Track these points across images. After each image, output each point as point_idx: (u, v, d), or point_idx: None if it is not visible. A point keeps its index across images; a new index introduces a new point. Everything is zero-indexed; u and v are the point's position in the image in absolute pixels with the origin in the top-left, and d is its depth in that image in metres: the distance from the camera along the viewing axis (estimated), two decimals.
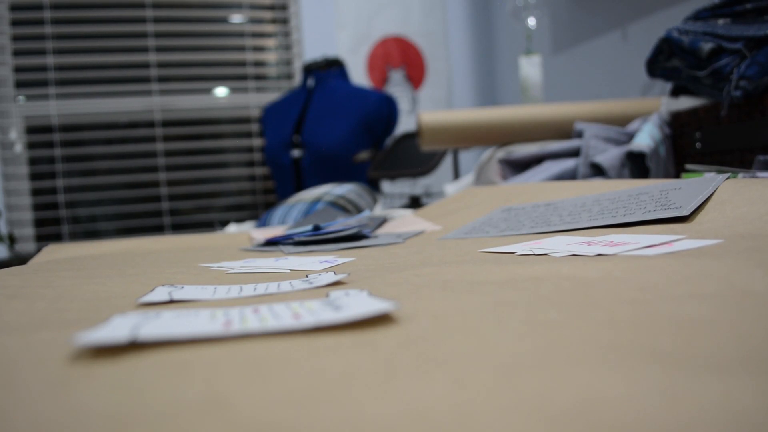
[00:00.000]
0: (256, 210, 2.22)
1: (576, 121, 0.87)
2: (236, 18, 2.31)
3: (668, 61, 0.76)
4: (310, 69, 1.88)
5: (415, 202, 1.54)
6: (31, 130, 2.14)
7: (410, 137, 1.69)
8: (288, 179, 1.84)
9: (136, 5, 2.18)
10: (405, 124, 2.24)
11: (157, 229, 2.20)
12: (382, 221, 0.62)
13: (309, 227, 0.48)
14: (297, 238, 0.46)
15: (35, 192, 2.12)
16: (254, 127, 2.28)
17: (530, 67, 1.25)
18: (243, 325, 0.16)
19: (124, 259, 0.42)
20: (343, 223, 0.48)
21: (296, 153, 1.80)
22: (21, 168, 2.06)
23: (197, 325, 0.16)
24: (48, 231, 2.11)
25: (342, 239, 0.45)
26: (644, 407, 0.09)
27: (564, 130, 0.89)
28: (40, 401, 0.11)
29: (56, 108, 2.14)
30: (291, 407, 0.10)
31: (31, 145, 2.10)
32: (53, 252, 0.52)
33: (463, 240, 0.41)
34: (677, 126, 0.78)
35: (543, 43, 1.99)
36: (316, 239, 0.45)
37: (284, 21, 2.35)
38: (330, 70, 1.87)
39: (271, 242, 0.48)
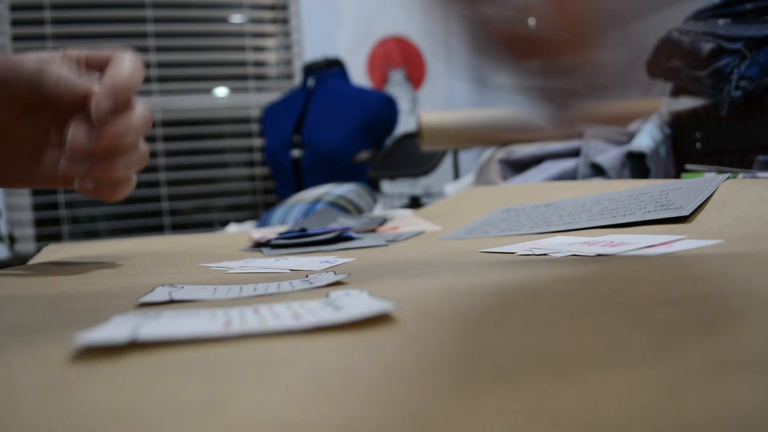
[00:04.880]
0: (256, 210, 2.22)
1: None
2: (236, 18, 2.30)
3: (668, 62, 0.76)
4: (310, 69, 1.88)
5: (415, 202, 1.54)
6: None
7: (410, 137, 1.69)
8: (288, 179, 1.84)
9: (136, 5, 2.18)
10: (405, 124, 2.23)
11: (157, 229, 2.20)
12: (382, 221, 0.62)
13: (295, 230, 0.48)
14: (274, 242, 0.46)
15: (35, 192, 2.11)
16: (254, 127, 2.28)
17: None
18: (243, 325, 0.16)
19: (124, 259, 0.43)
20: (324, 230, 0.48)
21: (296, 153, 1.80)
22: None
23: (197, 325, 0.16)
24: (48, 231, 2.11)
25: (322, 242, 0.45)
26: (644, 407, 0.09)
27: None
28: (40, 401, 0.11)
29: None
30: (291, 407, 0.10)
31: None
32: (53, 252, 0.52)
33: (463, 240, 0.41)
34: (677, 126, 0.78)
35: None
36: (294, 243, 0.45)
37: (284, 21, 2.35)
38: (330, 70, 1.87)
39: (259, 244, 0.48)
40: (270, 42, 2.33)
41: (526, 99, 0.28)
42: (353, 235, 0.47)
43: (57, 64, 0.39)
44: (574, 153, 0.77)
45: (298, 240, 0.45)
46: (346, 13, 2.35)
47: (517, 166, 0.84)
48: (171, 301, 0.22)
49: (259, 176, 2.21)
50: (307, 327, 0.16)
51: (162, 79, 2.20)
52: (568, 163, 0.75)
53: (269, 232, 0.61)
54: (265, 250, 0.44)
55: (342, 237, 0.46)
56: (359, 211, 0.93)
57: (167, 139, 2.18)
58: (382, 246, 0.42)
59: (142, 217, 2.16)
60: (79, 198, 2.11)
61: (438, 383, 0.11)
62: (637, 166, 0.72)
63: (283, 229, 0.64)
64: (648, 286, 0.19)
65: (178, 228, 2.19)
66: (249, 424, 0.10)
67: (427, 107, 2.39)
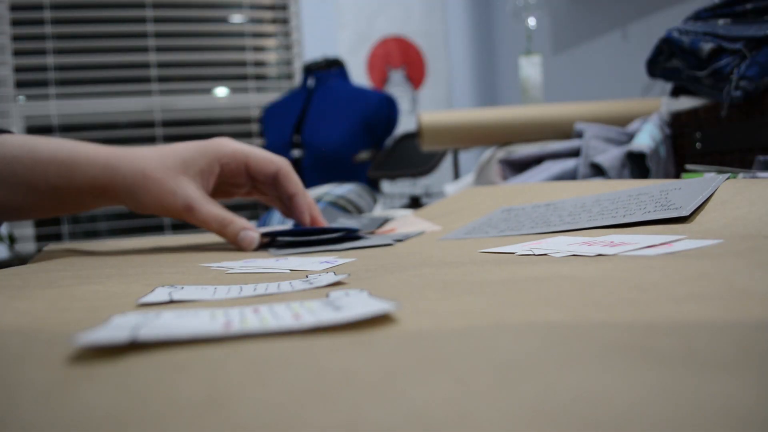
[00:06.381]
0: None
1: (576, 121, 0.87)
2: (236, 18, 2.31)
3: (668, 62, 0.76)
4: (310, 69, 1.88)
5: (415, 202, 1.54)
6: (31, 130, 2.13)
7: (410, 137, 1.69)
8: None
9: (136, 5, 2.18)
10: (405, 124, 2.23)
11: (157, 229, 2.20)
12: (383, 221, 0.62)
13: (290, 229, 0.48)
14: (281, 240, 0.46)
15: None
16: (254, 127, 2.28)
17: (530, 67, 1.25)
18: (243, 325, 0.16)
19: (124, 259, 0.43)
20: (329, 227, 0.48)
21: (296, 153, 1.80)
22: None
23: (197, 325, 0.16)
24: (48, 231, 2.11)
25: (326, 242, 0.45)
26: (644, 407, 0.09)
27: (564, 130, 0.89)
28: (40, 401, 0.11)
29: (56, 108, 2.14)
30: (291, 407, 0.10)
31: None
32: (53, 252, 0.52)
33: (463, 240, 0.41)
34: (677, 126, 0.78)
35: (543, 43, 1.99)
36: (301, 241, 0.45)
37: (284, 21, 2.35)
38: (330, 70, 1.87)
39: (265, 244, 0.48)
40: (270, 42, 2.33)
41: None
42: (359, 234, 0.47)
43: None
44: (574, 153, 0.77)
45: (304, 239, 0.45)
46: (346, 13, 2.35)
47: (517, 166, 0.84)
48: (171, 302, 0.22)
49: None
50: (307, 327, 0.16)
51: (162, 79, 2.20)
52: (568, 163, 0.75)
53: (270, 233, 0.61)
54: (271, 249, 0.44)
55: (348, 237, 0.46)
56: (359, 211, 0.93)
57: (167, 139, 2.18)
58: (389, 245, 0.42)
59: (142, 217, 2.16)
60: None
61: (438, 383, 0.11)
62: (637, 166, 0.72)
63: (282, 228, 0.64)
64: (648, 286, 0.19)
65: (178, 228, 2.19)
66: (249, 424, 0.10)
67: (427, 107, 2.38)
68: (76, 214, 0.50)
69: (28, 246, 2.03)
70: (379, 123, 1.83)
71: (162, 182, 0.46)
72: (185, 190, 0.46)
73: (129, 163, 0.46)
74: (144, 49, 2.15)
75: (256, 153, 0.51)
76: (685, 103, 0.77)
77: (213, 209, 0.47)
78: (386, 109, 1.83)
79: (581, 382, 0.11)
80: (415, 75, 2.42)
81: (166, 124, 2.19)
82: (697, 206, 0.33)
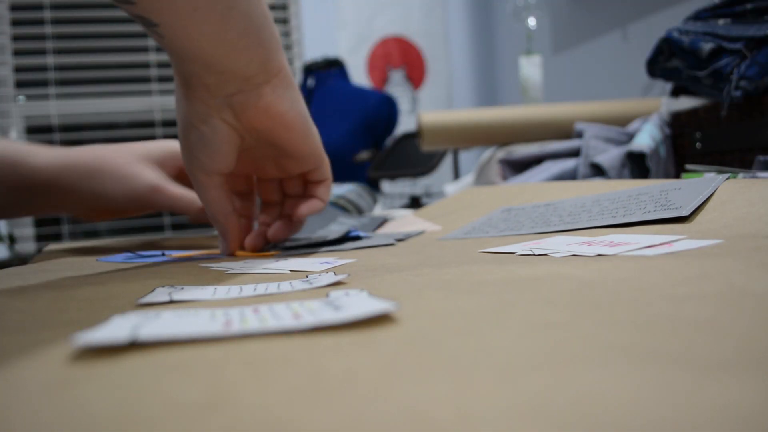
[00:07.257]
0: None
1: (576, 121, 0.87)
2: None
3: (668, 62, 0.76)
4: (310, 69, 1.88)
5: (415, 202, 1.54)
6: (31, 130, 2.13)
7: (410, 137, 1.69)
8: None
9: None
10: (405, 124, 2.23)
11: (157, 229, 2.19)
12: (382, 221, 0.62)
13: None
14: (288, 243, 0.46)
15: None
16: None
17: (530, 68, 1.25)
18: (243, 325, 0.16)
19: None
20: (325, 233, 0.48)
21: None
22: None
23: (197, 325, 0.16)
24: (48, 231, 2.11)
25: (330, 242, 0.45)
26: (644, 407, 0.09)
27: (564, 130, 0.89)
28: (39, 401, 0.11)
29: (56, 108, 2.13)
30: (291, 407, 0.10)
31: None
32: (53, 252, 0.52)
33: (463, 240, 0.41)
34: (677, 126, 0.78)
35: (543, 43, 1.99)
36: (305, 244, 0.45)
37: (284, 21, 2.35)
38: (330, 70, 1.87)
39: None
40: None
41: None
42: (361, 234, 0.47)
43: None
44: (574, 153, 0.77)
45: (308, 241, 0.45)
46: (346, 13, 2.35)
47: (517, 166, 0.84)
48: (171, 302, 0.22)
49: None
50: (307, 327, 0.16)
51: (162, 79, 2.20)
52: (568, 163, 0.75)
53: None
54: (274, 251, 0.44)
55: (350, 237, 0.46)
56: (359, 211, 0.93)
57: (167, 138, 2.18)
58: (390, 245, 0.43)
59: (142, 217, 2.15)
60: None
61: (438, 383, 0.11)
62: (637, 166, 0.72)
63: None
64: (648, 286, 0.19)
65: (178, 228, 2.19)
66: (249, 424, 0.10)
67: (427, 107, 2.38)
68: (29, 215, 0.50)
69: (28, 246, 2.03)
70: (379, 123, 1.83)
71: (122, 166, 0.45)
72: (148, 173, 0.45)
73: (83, 152, 0.46)
74: (144, 49, 2.15)
75: None
76: (685, 103, 0.77)
77: (179, 188, 0.46)
78: (386, 109, 1.83)
79: (581, 382, 0.11)
80: (415, 75, 2.42)
81: (166, 124, 2.19)
82: (697, 206, 0.33)
